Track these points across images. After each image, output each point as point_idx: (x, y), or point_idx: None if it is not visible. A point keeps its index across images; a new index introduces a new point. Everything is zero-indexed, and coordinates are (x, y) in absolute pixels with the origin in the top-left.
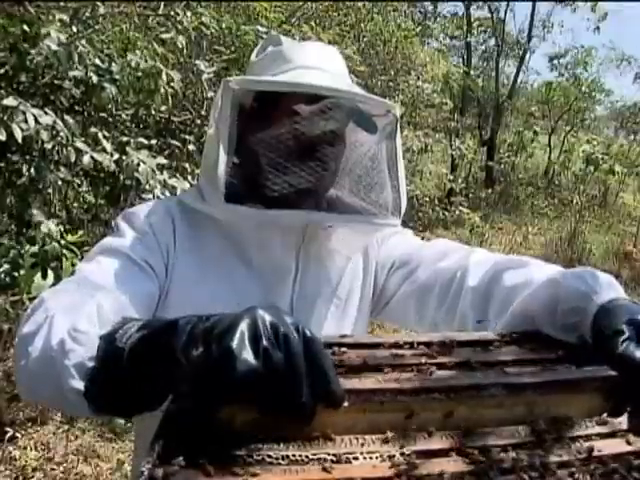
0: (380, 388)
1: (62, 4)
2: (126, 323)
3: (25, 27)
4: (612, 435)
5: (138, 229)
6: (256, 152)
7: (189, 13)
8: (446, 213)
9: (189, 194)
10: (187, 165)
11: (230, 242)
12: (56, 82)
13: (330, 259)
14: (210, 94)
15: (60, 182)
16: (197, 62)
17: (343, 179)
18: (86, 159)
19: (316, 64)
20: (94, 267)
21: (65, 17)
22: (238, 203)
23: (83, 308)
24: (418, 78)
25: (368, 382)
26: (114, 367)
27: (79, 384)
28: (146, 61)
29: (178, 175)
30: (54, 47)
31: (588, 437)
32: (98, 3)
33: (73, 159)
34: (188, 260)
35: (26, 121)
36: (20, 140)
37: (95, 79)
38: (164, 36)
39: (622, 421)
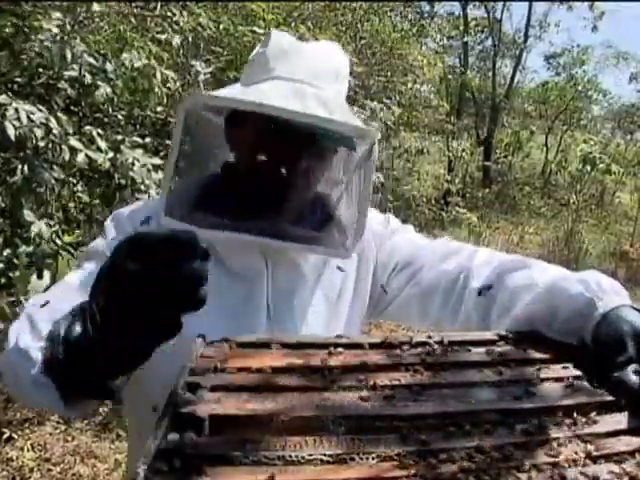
0: (376, 414)
1: (57, 3)
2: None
3: (16, 21)
4: (606, 435)
5: (120, 230)
6: (202, 171)
7: (185, 13)
8: (443, 213)
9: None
10: None
11: (211, 248)
12: (51, 82)
13: (302, 257)
14: None
15: (54, 181)
16: (194, 63)
17: (298, 199)
18: (81, 157)
19: (298, 75)
20: (76, 275)
21: (60, 15)
22: (175, 218)
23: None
24: (415, 81)
25: (363, 405)
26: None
27: (43, 395)
28: (140, 60)
29: None
30: (48, 43)
31: (582, 437)
32: (93, 2)
33: (67, 157)
34: None
35: (19, 119)
36: (13, 138)
37: (89, 78)
38: (160, 36)
39: (620, 420)
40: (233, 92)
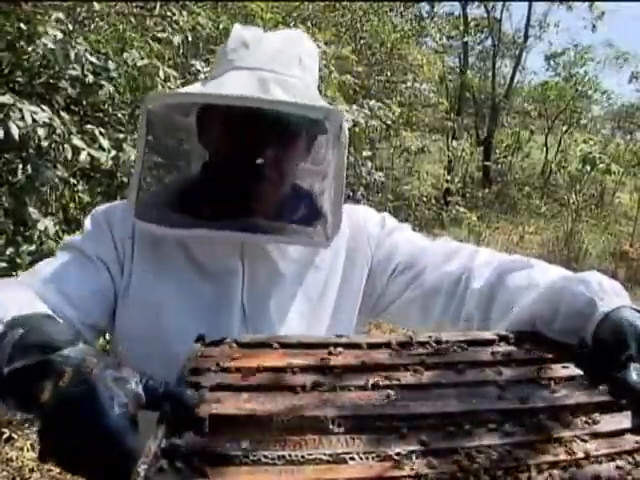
0: (376, 414)
1: (58, 3)
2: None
3: (22, 25)
4: (607, 435)
5: (97, 226)
6: (170, 170)
7: (185, 13)
8: (443, 213)
9: None
10: None
11: (183, 245)
12: (52, 81)
13: (281, 255)
14: None
15: (57, 180)
16: (194, 62)
17: (277, 189)
18: (83, 156)
19: (255, 63)
20: (49, 265)
21: (61, 15)
22: (145, 220)
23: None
24: (415, 80)
25: (363, 405)
26: None
27: None
28: (142, 59)
29: None
30: (51, 45)
31: (583, 437)
32: (94, 2)
33: (70, 156)
34: (146, 261)
35: (23, 118)
36: (17, 137)
37: (91, 78)
38: (160, 35)
39: (621, 420)
40: (192, 88)
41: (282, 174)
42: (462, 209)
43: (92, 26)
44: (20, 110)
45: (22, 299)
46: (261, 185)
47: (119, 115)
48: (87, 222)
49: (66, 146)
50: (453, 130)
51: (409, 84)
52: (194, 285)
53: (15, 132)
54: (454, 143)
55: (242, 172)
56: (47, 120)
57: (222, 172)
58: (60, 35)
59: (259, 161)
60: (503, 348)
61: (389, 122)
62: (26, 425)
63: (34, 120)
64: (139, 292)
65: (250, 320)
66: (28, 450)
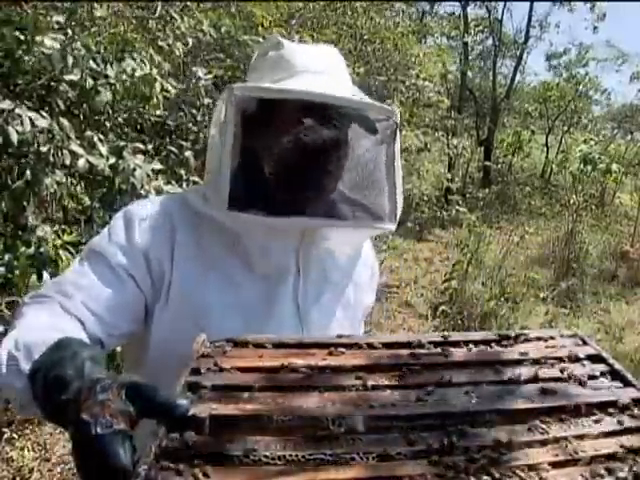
0: (377, 414)
1: (58, 5)
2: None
3: (19, 35)
4: (606, 435)
5: (127, 236)
6: (260, 160)
7: (186, 18)
8: (444, 212)
9: (194, 195)
10: (182, 172)
11: (232, 246)
12: (52, 84)
13: (331, 259)
14: (207, 100)
15: (56, 185)
16: (195, 69)
17: (343, 182)
18: (81, 162)
19: (319, 68)
20: (75, 275)
21: (61, 19)
22: (240, 210)
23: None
24: (417, 76)
25: (364, 405)
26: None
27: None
28: (142, 68)
29: (173, 182)
30: (48, 52)
31: (582, 437)
32: (95, 5)
33: (68, 162)
34: (189, 263)
35: (22, 124)
36: (16, 143)
37: (90, 82)
38: (161, 43)
39: (620, 420)
40: (285, 84)
41: (343, 167)
42: (462, 209)
43: (93, 29)
44: (19, 116)
45: (45, 330)
46: (330, 178)
47: (119, 119)
48: (117, 225)
49: (65, 152)
50: (454, 128)
51: (413, 80)
52: (245, 289)
53: (14, 137)
54: (454, 140)
55: (316, 164)
56: (46, 126)
57: (297, 164)
58: (57, 46)
59: (334, 156)
60: (504, 348)
61: None
62: (27, 425)
63: (33, 126)
64: (182, 297)
65: (304, 321)
66: (28, 450)
